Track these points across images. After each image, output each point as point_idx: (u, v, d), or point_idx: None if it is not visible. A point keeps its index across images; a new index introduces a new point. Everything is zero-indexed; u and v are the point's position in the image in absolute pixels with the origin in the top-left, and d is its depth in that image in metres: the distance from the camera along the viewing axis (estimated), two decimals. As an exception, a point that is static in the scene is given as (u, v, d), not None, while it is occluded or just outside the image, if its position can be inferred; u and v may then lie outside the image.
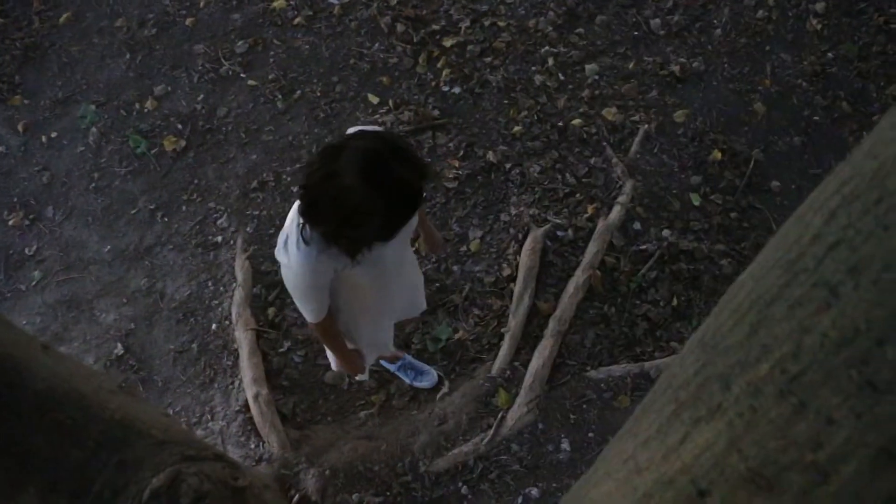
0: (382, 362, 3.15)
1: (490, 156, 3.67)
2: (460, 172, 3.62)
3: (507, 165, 3.65)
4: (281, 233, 2.00)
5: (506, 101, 3.88)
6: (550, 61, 4.03)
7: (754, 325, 0.78)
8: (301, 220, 1.81)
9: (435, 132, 3.78)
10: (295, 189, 3.65)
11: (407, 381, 3.18)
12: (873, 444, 0.69)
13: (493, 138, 3.75)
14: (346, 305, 2.28)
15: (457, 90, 3.93)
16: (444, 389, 3.15)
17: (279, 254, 1.96)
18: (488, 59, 4.05)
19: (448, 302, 3.31)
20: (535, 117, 3.81)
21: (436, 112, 3.84)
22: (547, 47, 4.09)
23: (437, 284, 3.35)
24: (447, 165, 3.65)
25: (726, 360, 0.81)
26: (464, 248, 3.45)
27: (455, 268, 3.40)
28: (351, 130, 1.96)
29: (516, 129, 3.76)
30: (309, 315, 2.12)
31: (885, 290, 0.67)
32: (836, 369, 0.70)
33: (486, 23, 4.20)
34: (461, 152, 3.70)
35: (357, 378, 3.09)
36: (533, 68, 4.01)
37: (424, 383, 3.16)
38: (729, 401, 0.79)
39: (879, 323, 0.67)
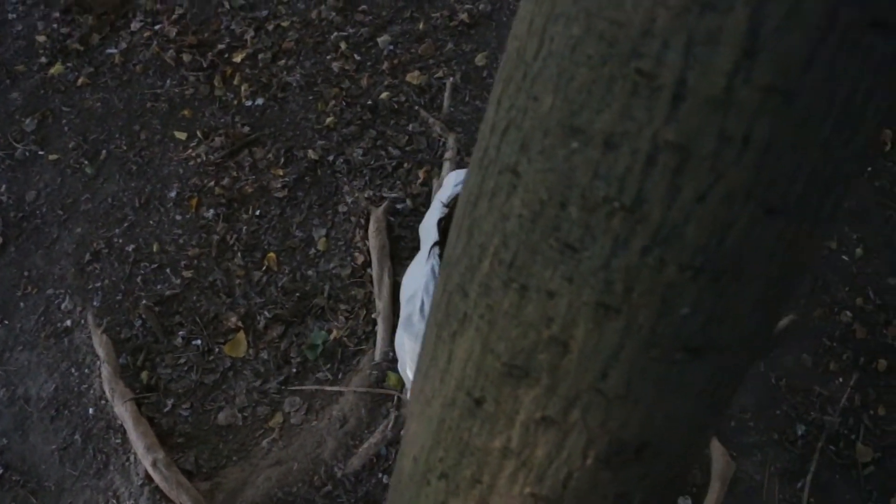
0: None
1: (311, 154, 3.65)
2: (287, 179, 3.59)
3: (330, 158, 3.63)
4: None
5: (311, 97, 3.86)
6: (343, 45, 4.02)
7: (469, 228, 0.80)
8: None
9: (251, 148, 3.73)
10: (131, 248, 3.54)
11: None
12: (590, 301, 0.72)
13: (309, 136, 3.73)
14: None
15: (260, 101, 3.88)
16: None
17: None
18: (282, 62, 4.01)
19: (313, 307, 3.29)
20: (344, 103, 3.80)
21: (246, 129, 3.79)
22: (335, 33, 4.08)
23: (298, 294, 3.31)
24: (272, 177, 3.61)
25: (459, 269, 0.82)
26: (313, 251, 3.42)
27: (310, 272, 3.37)
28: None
29: (328, 120, 3.75)
30: None
31: (551, 155, 0.70)
32: (537, 244, 0.73)
33: (270, 27, 4.16)
34: (282, 160, 3.66)
35: None
36: (328, 57, 4.00)
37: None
38: (470, 307, 0.81)
39: (556, 187, 0.70)
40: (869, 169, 3.50)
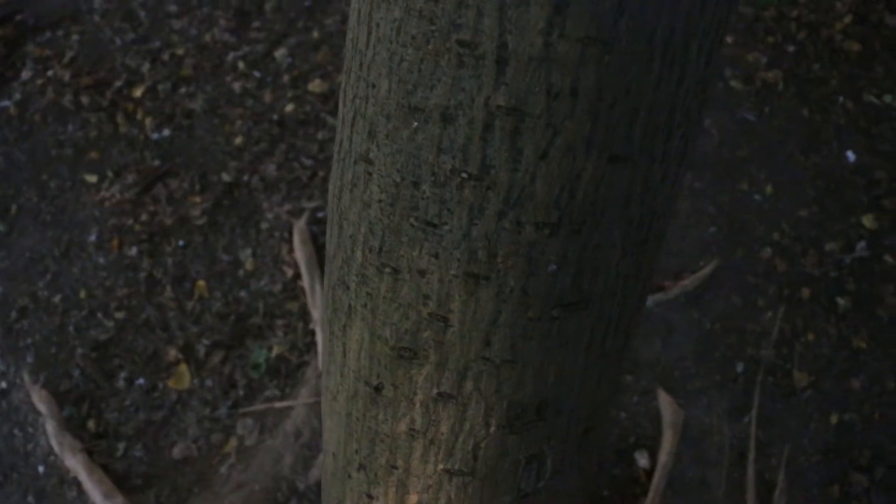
0: None
1: (225, 177, 3.62)
2: (205, 205, 3.55)
3: (245, 178, 3.61)
4: None
5: (217, 121, 3.82)
6: (241, 65, 3.99)
7: (339, 221, 0.81)
8: None
9: (164, 180, 3.68)
10: (58, 299, 3.47)
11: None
12: (459, 273, 0.73)
13: (221, 159, 3.70)
14: None
15: (167, 132, 3.83)
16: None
17: None
18: (183, 90, 3.96)
19: (250, 327, 3.27)
20: (251, 122, 3.78)
21: (156, 161, 3.74)
22: (232, 53, 4.04)
23: (233, 317, 3.29)
24: (190, 205, 3.57)
25: (337, 263, 0.84)
26: (241, 272, 3.40)
27: (242, 293, 3.35)
28: None
29: (238, 140, 3.72)
30: None
31: (396, 137, 0.71)
32: (400, 226, 0.74)
33: (166, 57, 4.10)
34: (197, 187, 3.62)
35: None
36: (228, 78, 3.96)
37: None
38: (352, 298, 0.82)
39: (407, 168, 0.71)
40: (767, 110, 3.60)
